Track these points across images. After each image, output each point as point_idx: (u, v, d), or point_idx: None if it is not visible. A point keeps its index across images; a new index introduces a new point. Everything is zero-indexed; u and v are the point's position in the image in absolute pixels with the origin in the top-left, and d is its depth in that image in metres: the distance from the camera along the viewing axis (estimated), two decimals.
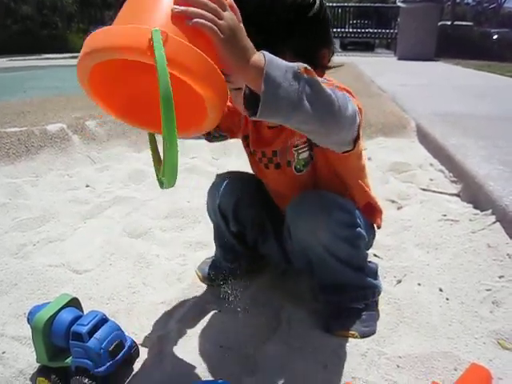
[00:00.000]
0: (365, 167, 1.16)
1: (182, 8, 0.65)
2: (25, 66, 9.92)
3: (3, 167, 2.52)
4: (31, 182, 2.32)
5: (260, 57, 0.68)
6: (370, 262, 1.19)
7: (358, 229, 1.05)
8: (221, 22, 0.67)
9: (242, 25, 0.70)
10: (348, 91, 0.92)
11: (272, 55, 0.69)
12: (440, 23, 11.86)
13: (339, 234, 1.01)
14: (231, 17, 0.69)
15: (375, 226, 1.21)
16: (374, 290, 1.13)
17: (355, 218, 1.05)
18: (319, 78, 0.73)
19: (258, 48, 0.70)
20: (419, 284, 1.29)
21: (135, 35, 0.62)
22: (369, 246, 1.20)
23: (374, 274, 1.16)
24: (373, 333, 1.08)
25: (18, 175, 2.43)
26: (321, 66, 0.97)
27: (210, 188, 1.26)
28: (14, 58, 13.45)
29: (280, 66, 0.68)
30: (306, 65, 0.71)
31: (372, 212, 1.17)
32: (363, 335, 1.07)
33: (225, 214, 1.21)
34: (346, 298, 1.11)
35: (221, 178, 1.25)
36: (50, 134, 2.83)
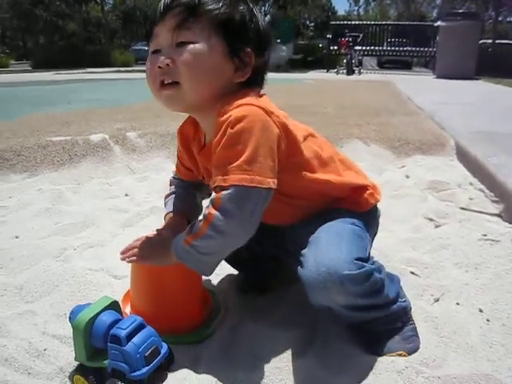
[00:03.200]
0: (316, 158, 1.07)
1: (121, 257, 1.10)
2: (69, 80, 10.32)
3: (48, 174, 2.63)
4: (73, 189, 2.41)
5: (171, 251, 1.00)
6: (391, 277, 1.12)
7: (374, 276, 0.95)
8: (143, 251, 1.07)
9: (161, 238, 1.11)
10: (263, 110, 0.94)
11: (175, 240, 1.00)
12: (481, 41, 11.64)
13: (355, 293, 0.93)
14: (151, 241, 1.11)
15: (373, 205, 1.15)
16: (405, 310, 1.10)
17: (366, 267, 0.94)
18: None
19: None
20: (458, 303, 1.26)
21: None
22: (377, 227, 1.20)
23: (397, 295, 1.09)
24: (418, 346, 1.06)
25: (61, 182, 2.52)
26: (248, 65, 1.00)
27: None
28: (59, 72, 14.01)
29: (179, 247, 0.98)
30: (186, 236, 0.96)
31: (361, 194, 1.12)
32: (411, 352, 1.04)
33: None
34: (379, 325, 1.06)
35: None
36: (92, 143, 2.94)
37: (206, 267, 1.01)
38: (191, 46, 0.94)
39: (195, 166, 1.18)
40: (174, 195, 1.26)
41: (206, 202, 1.04)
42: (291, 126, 1.01)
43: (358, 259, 0.93)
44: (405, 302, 1.11)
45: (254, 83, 1.03)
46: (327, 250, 0.95)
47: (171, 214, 1.23)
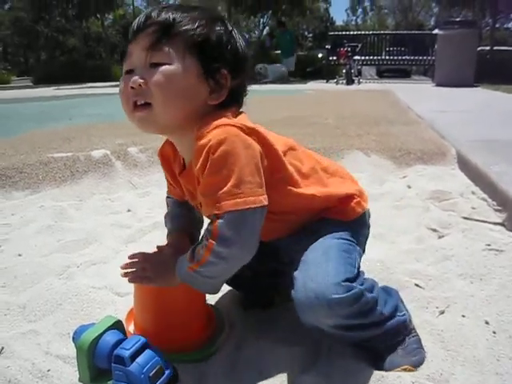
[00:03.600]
0: (297, 172, 1.05)
1: (122, 272, 1.09)
2: (70, 95, 10.39)
3: (49, 190, 2.64)
4: (75, 206, 2.41)
5: (176, 273, 1.01)
6: (388, 291, 1.11)
7: (364, 296, 0.94)
8: (147, 273, 1.06)
9: (164, 258, 1.08)
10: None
11: (178, 264, 1.01)
12: (479, 48, 11.69)
13: (344, 315, 0.93)
14: (154, 262, 1.09)
15: (361, 212, 1.13)
16: (404, 324, 1.08)
17: (355, 292, 0.92)
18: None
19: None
20: (463, 316, 1.25)
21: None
22: (366, 236, 1.18)
23: (395, 310, 1.07)
24: (423, 359, 1.05)
25: (63, 198, 2.53)
26: (223, 87, 0.98)
27: None
28: (60, 87, 14.12)
29: (183, 272, 0.99)
30: (188, 263, 0.97)
31: (347, 203, 1.11)
32: (417, 365, 1.03)
33: None
34: (379, 342, 1.05)
35: None
36: (94, 159, 2.95)
37: (211, 288, 1.04)
38: (164, 67, 0.92)
39: (180, 187, 1.15)
40: (171, 215, 1.26)
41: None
42: (272, 140, 1.00)
43: (346, 280, 0.92)
44: (404, 315, 1.08)
45: (230, 104, 1.01)
46: (315, 273, 0.94)
47: (172, 234, 1.23)
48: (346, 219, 1.10)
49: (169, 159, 1.16)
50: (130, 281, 1.08)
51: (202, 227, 1.26)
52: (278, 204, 1.02)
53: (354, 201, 1.12)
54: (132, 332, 1.13)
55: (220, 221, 0.89)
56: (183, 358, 1.07)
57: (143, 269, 1.08)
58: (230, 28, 1.01)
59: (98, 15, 24.71)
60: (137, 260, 1.10)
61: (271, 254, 1.17)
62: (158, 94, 0.92)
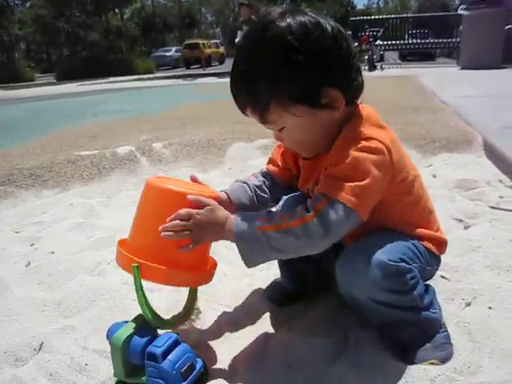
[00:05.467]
0: (420, 201, 1.12)
1: (160, 228, 0.97)
2: (93, 90, 10.55)
3: (78, 188, 2.72)
4: (103, 203, 2.47)
5: (230, 225, 0.97)
6: (427, 286, 1.13)
7: (407, 276, 0.99)
8: (189, 223, 0.97)
9: (213, 207, 1.00)
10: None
11: (239, 219, 0.97)
12: (507, 27, 11.29)
13: (384, 286, 0.97)
14: (199, 214, 0.98)
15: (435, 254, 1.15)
16: (435, 322, 1.09)
17: (403, 267, 0.99)
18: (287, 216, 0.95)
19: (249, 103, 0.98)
20: (490, 308, 1.25)
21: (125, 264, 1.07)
22: (432, 274, 1.19)
23: (430, 305, 1.09)
24: (451, 354, 1.06)
25: (91, 196, 2.60)
26: (332, 108, 0.97)
27: None
28: (83, 83, 14.34)
29: (245, 229, 0.95)
30: (261, 223, 0.95)
31: (434, 244, 1.13)
32: (444, 360, 1.04)
33: None
34: (409, 334, 1.07)
35: None
36: (119, 156, 3.01)
37: (259, 259, 0.99)
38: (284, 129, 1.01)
39: (296, 169, 1.21)
40: (241, 184, 1.22)
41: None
42: (404, 166, 1.05)
43: (399, 258, 0.97)
44: (436, 313, 1.10)
45: (354, 96, 1.04)
46: (372, 243, 1.00)
47: (224, 194, 1.17)
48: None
49: None
50: (178, 243, 1.00)
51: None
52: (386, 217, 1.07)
53: (436, 242, 1.14)
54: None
55: (329, 203, 0.93)
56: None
57: (191, 227, 0.98)
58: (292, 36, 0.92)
59: (117, 9, 24.89)
60: (177, 221, 0.98)
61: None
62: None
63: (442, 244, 1.17)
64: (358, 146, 0.95)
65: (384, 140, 0.97)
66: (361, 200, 0.93)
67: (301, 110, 0.96)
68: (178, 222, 0.97)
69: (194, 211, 0.98)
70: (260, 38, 0.94)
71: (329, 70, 0.94)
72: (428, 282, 1.35)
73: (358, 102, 1.06)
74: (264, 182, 1.24)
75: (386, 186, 0.99)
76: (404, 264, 0.99)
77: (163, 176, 1.19)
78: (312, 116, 0.97)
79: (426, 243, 1.10)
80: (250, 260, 0.98)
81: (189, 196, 0.99)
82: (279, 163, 1.25)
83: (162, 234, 0.97)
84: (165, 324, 1.06)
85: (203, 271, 1.10)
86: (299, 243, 0.94)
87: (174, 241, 0.98)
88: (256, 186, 1.22)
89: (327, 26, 0.94)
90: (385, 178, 0.97)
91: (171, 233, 0.97)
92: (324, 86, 0.94)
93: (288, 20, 0.92)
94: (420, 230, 1.11)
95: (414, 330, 1.06)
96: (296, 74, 0.92)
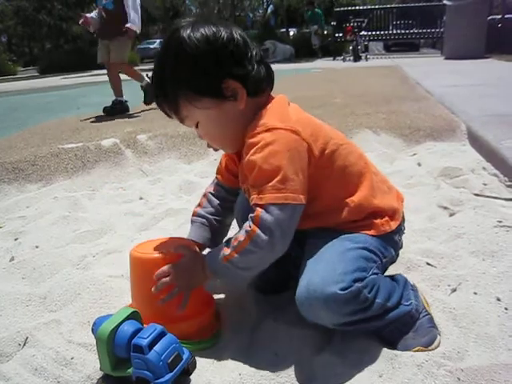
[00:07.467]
0: (352, 166, 1.11)
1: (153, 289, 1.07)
2: (77, 83, 10.41)
3: (62, 181, 2.68)
4: (88, 196, 2.45)
5: (206, 265, 1.06)
6: (395, 280, 1.13)
7: (364, 291, 0.98)
8: (172, 278, 1.07)
9: (195, 261, 1.09)
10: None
11: (209, 257, 1.07)
12: (489, 18, 11.37)
13: (345, 312, 0.97)
14: (176, 266, 1.08)
15: (387, 230, 1.12)
16: (410, 314, 1.08)
17: (357, 288, 0.97)
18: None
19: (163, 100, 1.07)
20: (475, 293, 1.26)
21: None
22: (393, 260, 1.19)
23: (400, 299, 1.08)
24: (435, 336, 1.07)
25: (75, 189, 2.57)
26: (236, 99, 1.03)
27: None
28: (66, 76, 14.14)
29: (216, 265, 1.04)
30: (224, 253, 1.01)
31: (375, 218, 1.11)
32: (428, 345, 1.05)
33: None
34: (388, 332, 1.07)
35: None
36: (104, 148, 2.98)
37: (241, 280, 1.18)
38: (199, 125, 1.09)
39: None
40: (200, 221, 1.29)
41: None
42: (320, 138, 1.06)
43: (352, 281, 0.96)
44: (410, 304, 1.09)
45: (260, 88, 1.07)
46: (323, 268, 1.00)
47: (196, 223, 1.30)
48: (372, 234, 1.10)
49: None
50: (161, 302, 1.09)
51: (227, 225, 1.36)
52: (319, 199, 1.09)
53: (384, 219, 1.12)
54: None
55: (262, 210, 0.97)
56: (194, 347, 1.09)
57: (174, 279, 1.08)
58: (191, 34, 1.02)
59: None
60: (164, 279, 1.08)
61: (297, 239, 1.18)
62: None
63: (394, 212, 1.15)
64: (258, 144, 0.99)
65: (285, 125, 1.00)
66: (287, 191, 0.96)
67: (207, 102, 1.03)
68: (161, 281, 1.07)
69: (167, 267, 1.08)
70: (165, 43, 1.07)
71: (223, 63, 1.01)
72: (413, 271, 1.38)
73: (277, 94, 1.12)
74: (218, 196, 1.32)
75: (307, 159, 1.02)
76: (358, 284, 0.97)
77: (145, 241, 1.25)
78: (218, 108, 1.04)
79: (373, 232, 1.09)
80: (235, 284, 1.22)
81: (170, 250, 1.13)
82: (224, 171, 1.31)
83: (158, 303, 1.08)
84: None
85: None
86: (258, 256, 1.00)
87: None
88: (213, 213, 1.30)
89: (224, 31, 1.02)
90: (299, 155, 1.00)
91: (164, 298, 1.08)
92: (224, 78, 1.01)
93: (190, 27, 1.02)
94: (365, 216, 1.10)
95: (392, 328, 1.07)
96: (194, 70, 1.01)
